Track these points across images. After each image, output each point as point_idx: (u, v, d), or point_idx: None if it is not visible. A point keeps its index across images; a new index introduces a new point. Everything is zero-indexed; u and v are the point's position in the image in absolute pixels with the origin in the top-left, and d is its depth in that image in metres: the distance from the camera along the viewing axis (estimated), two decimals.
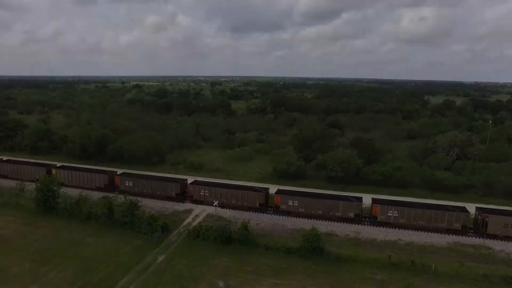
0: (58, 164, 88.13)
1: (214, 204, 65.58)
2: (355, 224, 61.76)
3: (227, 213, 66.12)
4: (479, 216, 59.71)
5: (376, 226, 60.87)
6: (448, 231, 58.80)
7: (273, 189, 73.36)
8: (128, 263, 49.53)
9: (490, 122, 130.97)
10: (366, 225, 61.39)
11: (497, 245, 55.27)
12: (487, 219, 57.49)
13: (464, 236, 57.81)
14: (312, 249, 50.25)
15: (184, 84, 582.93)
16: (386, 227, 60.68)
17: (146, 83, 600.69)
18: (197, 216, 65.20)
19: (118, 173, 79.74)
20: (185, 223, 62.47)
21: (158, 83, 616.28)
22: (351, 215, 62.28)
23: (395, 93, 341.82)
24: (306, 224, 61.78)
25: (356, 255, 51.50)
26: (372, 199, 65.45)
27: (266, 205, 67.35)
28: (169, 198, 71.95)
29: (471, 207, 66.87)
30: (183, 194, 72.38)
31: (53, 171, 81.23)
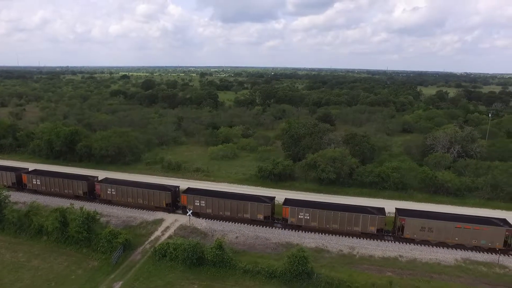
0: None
1: (188, 214, 57.32)
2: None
3: (203, 224, 57.80)
4: (397, 219, 53.85)
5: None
6: (365, 235, 53.58)
7: (258, 192, 65.65)
8: None
9: (489, 115, 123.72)
10: (360, 239, 53.40)
11: None
12: (403, 222, 52.23)
13: (473, 252, 50.30)
14: (299, 273, 42.18)
15: (174, 75, 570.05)
16: (383, 241, 53.03)
17: (134, 74, 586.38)
18: (168, 228, 56.70)
19: (28, 170, 73.80)
20: (152, 237, 53.95)
21: (147, 74, 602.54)
22: (260, 217, 57.02)
23: (387, 84, 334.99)
24: (293, 237, 53.80)
25: (351, 278, 43.54)
26: (285, 199, 59.37)
27: (174, 205, 62.16)
28: (77, 197, 66.63)
29: (476, 213, 59.85)
30: (91, 193, 67.03)
31: None
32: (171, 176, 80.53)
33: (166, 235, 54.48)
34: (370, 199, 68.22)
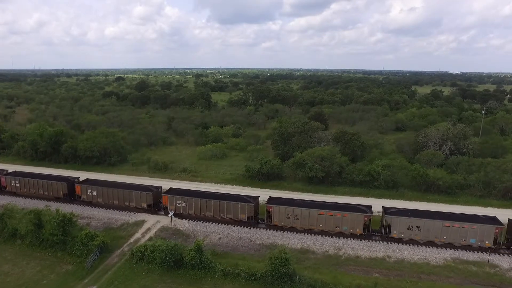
0: None
1: (169, 215, 55.39)
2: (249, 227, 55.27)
3: (185, 225, 55.91)
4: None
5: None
6: (239, 223, 55.43)
7: (245, 192, 63.71)
8: None
9: (482, 112, 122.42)
10: (346, 239, 51.70)
11: (504, 262, 46.20)
12: (270, 210, 54.03)
13: (463, 251, 48.58)
14: (280, 275, 40.33)
15: (169, 77, 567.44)
16: (370, 241, 51.32)
17: (130, 76, 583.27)
18: (148, 229, 54.73)
19: None
20: (132, 239, 51.97)
21: (143, 76, 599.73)
22: (144, 205, 59.86)
23: (382, 84, 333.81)
24: (277, 238, 51.96)
25: (335, 280, 41.67)
26: (169, 188, 62.32)
27: (71, 195, 64.92)
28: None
29: (467, 211, 58.16)
30: None
31: None
32: (158, 177, 78.55)
33: (147, 237, 52.50)
34: (360, 198, 66.56)
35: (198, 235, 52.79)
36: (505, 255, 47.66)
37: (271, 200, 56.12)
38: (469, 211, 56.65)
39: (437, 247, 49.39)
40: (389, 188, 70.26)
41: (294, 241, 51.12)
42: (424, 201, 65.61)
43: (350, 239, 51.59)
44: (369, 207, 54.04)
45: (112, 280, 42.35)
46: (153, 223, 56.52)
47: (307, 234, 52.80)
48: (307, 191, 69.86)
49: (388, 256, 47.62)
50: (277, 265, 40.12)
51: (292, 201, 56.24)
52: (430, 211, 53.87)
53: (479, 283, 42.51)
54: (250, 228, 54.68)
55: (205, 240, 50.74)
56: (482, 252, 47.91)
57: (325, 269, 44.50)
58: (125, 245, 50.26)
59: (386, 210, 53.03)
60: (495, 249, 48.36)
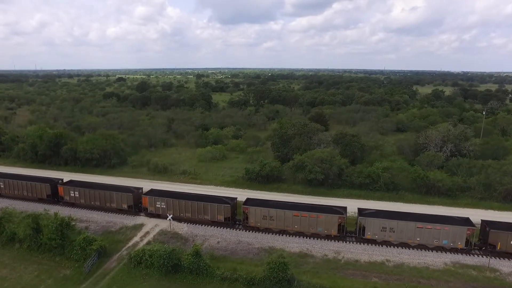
0: None
1: (168, 218, 55.21)
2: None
3: (184, 228, 55.71)
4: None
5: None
6: (215, 223, 56.22)
7: (245, 194, 63.47)
8: None
9: (483, 113, 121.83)
10: (348, 243, 51.43)
11: (504, 266, 45.85)
12: (246, 211, 54.61)
13: (463, 255, 48.25)
14: (278, 280, 40.10)
15: (171, 77, 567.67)
16: (370, 244, 51.04)
17: (131, 76, 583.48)
18: (147, 233, 54.57)
19: None
20: (130, 243, 51.77)
21: (144, 76, 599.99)
22: (124, 206, 60.83)
23: (383, 84, 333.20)
24: (276, 241, 51.76)
25: (334, 285, 41.43)
26: (150, 189, 63.38)
27: (54, 196, 65.93)
28: None
29: (468, 213, 57.90)
30: None
31: None
32: (157, 179, 78.35)
33: (145, 240, 52.32)
34: (360, 200, 66.20)
35: (197, 239, 52.61)
36: (506, 259, 47.29)
37: (248, 201, 56.36)
38: (469, 214, 56.39)
39: (436, 251, 49.11)
40: (389, 191, 69.93)
41: (293, 244, 50.89)
42: (425, 204, 65.31)
43: (350, 242, 51.36)
44: (344, 208, 54.08)
45: (110, 285, 42.14)
46: (152, 226, 56.35)
47: (307, 238, 52.56)
48: (307, 194, 69.61)
49: (387, 260, 47.34)
50: (275, 270, 39.90)
51: (268, 202, 56.53)
52: (403, 212, 53.86)
53: (479, 287, 42.19)
54: (249, 231, 54.53)
55: (203, 244, 50.61)
56: (483, 256, 47.61)
57: (324, 274, 44.26)
58: (123, 249, 50.08)
59: (361, 211, 53.15)
60: (467, 250, 48.43)
